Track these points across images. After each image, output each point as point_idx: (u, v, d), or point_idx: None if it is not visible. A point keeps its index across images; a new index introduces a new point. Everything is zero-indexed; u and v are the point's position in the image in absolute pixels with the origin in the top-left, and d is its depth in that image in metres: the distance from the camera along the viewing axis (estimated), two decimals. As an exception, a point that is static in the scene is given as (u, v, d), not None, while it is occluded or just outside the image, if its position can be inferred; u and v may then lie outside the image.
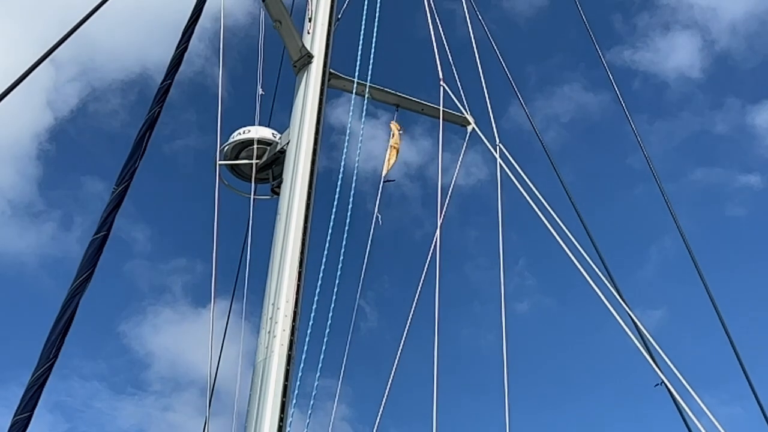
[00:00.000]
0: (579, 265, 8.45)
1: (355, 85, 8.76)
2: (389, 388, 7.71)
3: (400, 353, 7.89)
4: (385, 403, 7.66)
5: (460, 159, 9.47)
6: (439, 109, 9.48)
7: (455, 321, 21.36)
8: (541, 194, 9.05)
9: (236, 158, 8.77)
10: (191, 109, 25.58)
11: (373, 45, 8.97)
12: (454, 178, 9.37)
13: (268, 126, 8.88)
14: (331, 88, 8.62)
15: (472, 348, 22.49)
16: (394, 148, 9.12)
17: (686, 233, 11.02)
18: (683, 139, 28.00)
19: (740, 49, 28.47)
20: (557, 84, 28.51)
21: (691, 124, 28.36)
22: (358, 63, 8.82)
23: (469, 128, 9.63)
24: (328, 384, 7.47)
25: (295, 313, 6.85)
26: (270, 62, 9.57)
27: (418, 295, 8.24)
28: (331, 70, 8.59)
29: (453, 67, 9.84)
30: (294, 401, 6.47)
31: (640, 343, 8.16)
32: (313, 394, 6.56)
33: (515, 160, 9.40)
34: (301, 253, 7.18)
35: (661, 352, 8.17)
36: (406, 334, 8.04)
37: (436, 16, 10.13)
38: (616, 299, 8.45)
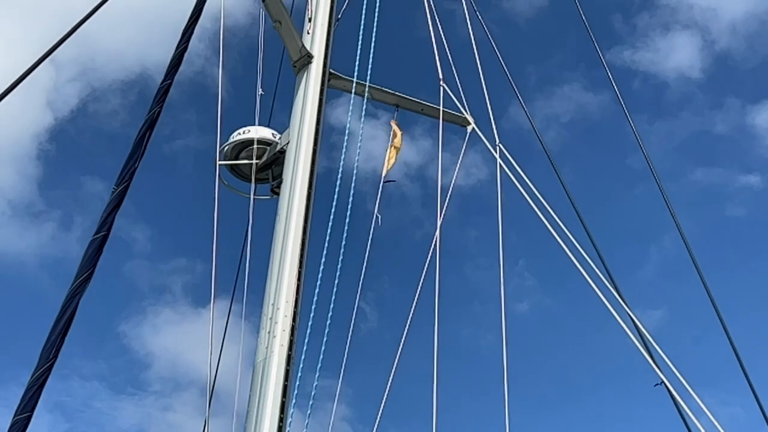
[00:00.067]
0: (579, 265, 8.46)
1: (354, 85, 8.77)
2: (389, 388, 7.72)
3: (400, 353, 7.90)
4: (385, 403, 7.67)
5: (460, 159, 9.48)
6: (438, 109, 9.48)
7: (455, 321, 21.38)
8: (540, 194, 9.06)
9: (236, 158, 8.78)
10: (191, 109, 25.60)
11: (373, 45, 8.99)
12: (454, 178, 9.39)
13: (268, 126, 8.88)
14: (331, 88, 8.62)
15: (472, 348, 22.50)
16: (395, 148, 9.13)
17: (686, 233, 11.03)
18: (683, 139, 28.03)
19: (740, 49, 28.50)
20: (557, 84, 28.53)
21: (691, 124, 28.39)
22: (357, 63, 8.83)
23: (469, 128, 9.64)
24: (328, 384, 7.47)
25: (294, 313, 6.86)
26: (270, 62, 9.58)
27: (418, 295, 8.25)
28: (331, 70, 8.60)
29: (453, 68, 9.85)
30: (294, 401, 6.48)
31: (639, 343, 8.16)
32: (312, 393, 6.56)
33: (515, 161, 9.41)
34: (301, 253, 7.19)
35: (660, 352, 8.17)
36: (406, 334, 8.04)
37: (436, 16, 10.14)
38: (616, 299, 8.45)
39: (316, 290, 7.03)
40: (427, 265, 8.38)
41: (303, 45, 8.49)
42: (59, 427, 24.31)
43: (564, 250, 8.62)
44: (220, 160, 8.61)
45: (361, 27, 9.13)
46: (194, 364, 22.69)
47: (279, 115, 9.45)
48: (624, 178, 26.24)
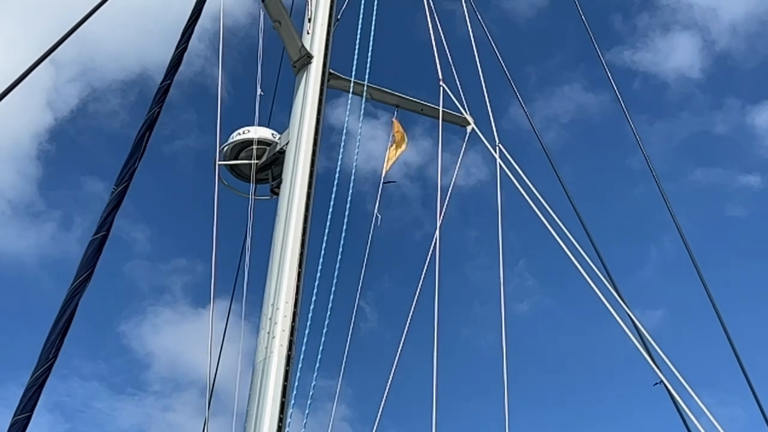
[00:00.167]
0: (578, 266, 8.46)
1: (354, 86, 8.77)
2: (389, 388, 7.72)
3: (400, 353, 7.90)
4: (384, 403, 7.67)
5: (460, 159, 9.49)
6: (438, 110, 9.49)
7: (455, 321, 21.38)
8: (540, 194, 9.07)
9: (236, 158, 8.78)
10: (191, 110, 25.60)
11: (373, 45, 8.99)
12: (454, 179, 9.39)
13: (268, 126, 8.88)
14: (331, 88, 8.62)
15: (472, 348, 22.50)
16: (398, 147, 9.14)
17: (686, 233, 11.04)
18: (683, 139, 28.04)
19: (740, 50, 28.51)
20: (557, 84, 28.54)
21: (691, 125, 28.39)
22: (355, 63, 8.83)
23: (469, 128, 9.64)
24: (328, 384, 7.48)
25: (294, 313, 6.86)
26: (270, 62, 9.57)
27: (418, 295, 8.25)
28: (331, 71, 8.60)
29: (452, 68, 9.86)
30: (293, 401, 6.48)
31: (639, 342, 8.17)
32: (311, 393, 6.56)
33: (515, 161, 9.41)
34: (301, 253, 7.19)
35: (660, 352, 8.18)
36: (406, 334, 8.04)
37: (435, 16, 10.15)
38: (616, 299, 8.46)
39: (314, 290, 7.03)
40: (427, 265, 8.39)
41: (303, 45, 8.49)
42: (59, 427, 24.33)
43: (564, 250, 8.63)
44: (219, 160, 8.62)
45: (361, 27, 9.14)
46: (194, 364, 22.71)
47: (279, 115, 9.46)
48: (624, 178, 26.26)
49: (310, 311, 6.89)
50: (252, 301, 7.59)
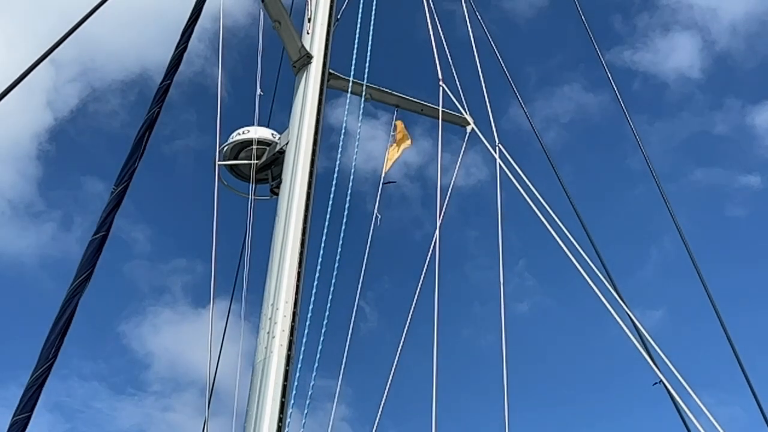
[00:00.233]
0: (578, 266, 8.47)
1: (354, 86, 8.77)
2: (389, 388, 7.72)
3: (400, 353, 7.91)
4: (384, 403, 7.67)
5: (459, 159, 9.49)
6: (438, 110, 9.49)
7: (455, 321, 21.38)
8: (540, 194, 9.07)
9: (236, 158, 8.78)
10: (191, 110, 25.60)
11: (373, 45, 8.99)
12: (454, 179, 9.40)
13: (268, 126, 8.88)
14: (331, 88, 8.62)
15: (472, 348, 22.50)
16: (400, 144, 9.15)
17: (686, 233, 11.05)
18: (683, 139, 28.03)
19: (740, 50, 28.51)
20: (557, 84, 28.54)
21: (691, 125, 28.38)
22: (354, 63, 8.84)
23: (469, 129, 9.64)
24: (328, 384, 7.48)
25: (294, 313, 6.86)
26: (269, 63, 9.58)
27: (418, 295, 8.25)
28: (331, 71, 8.60)
29: (452, 68, 9.86)
30: (293, 401, 6.48)
31: (638, 342, 8.17)
32: (309, 393, 6.56)
33: (515, 161, 9.42)
34: (301, 253, 7.19)
35: (659, 352, 8.18)
36: (406, 334, 8.05)
37: (435, 16, 10.15)
38: (615, 299, 8.46)
39: (313, 290, 7.03)
40: (426, 265, 8.39)
41: (302, 45, 8.49)
42: (59, 427, 24.32)
43: (563, 250, 8.63)
44: (219, 161, 8.62)
45: (360, 27, 9.14)
46: (194, 364, 22.71)
47: (278, 115, 9.46)
48: (623, 179, 26.26)
49: (310, 311, 6.89)
50: (252, 301, 7.60)
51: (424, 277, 8.33)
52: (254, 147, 8.59)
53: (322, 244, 7.28)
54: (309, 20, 8.77)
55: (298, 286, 6.99)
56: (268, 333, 6.76)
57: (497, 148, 9.56)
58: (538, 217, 8.84)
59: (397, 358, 7.87)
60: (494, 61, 11.00)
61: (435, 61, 9.81)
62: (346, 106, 8.52)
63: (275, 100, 9.90)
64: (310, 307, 6.90)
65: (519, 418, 8.50)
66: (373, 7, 9.41)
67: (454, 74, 9.79)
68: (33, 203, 26.98)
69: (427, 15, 10.11)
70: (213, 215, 7.62)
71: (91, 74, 27.46)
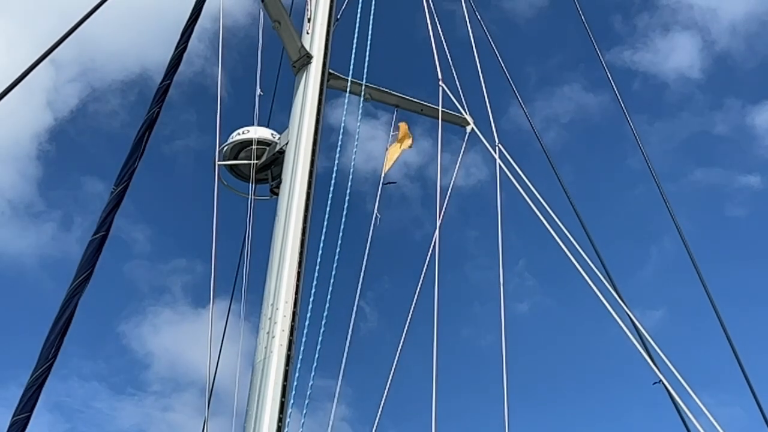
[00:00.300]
0: (578, 266, 8.47)
1: (354, 86, 8.77)
2: (388, 388, 7.73)
3: (400, 353, 7.91)
4: (384, 403, 7.67)
5: (459, 159, 9.49)
6: (438, 110, 9.48)
7: (455, 321, 21.39)
8: (540, 195, 9.07)
9: (235, 158, 8.78)
10: (191, 110, 25.60)
11: (372, 45, 8.99)
12: (453, 179, 9.40)
13: (268, 126, 8.89)
14: (330, 88, 8.62)
15: (472, 348, 22.51)
16: (402, 142, 9.15)
17: (686, 233, 11.06)
18: (683, 139, 28.04)
19: (740, 50, 28.52)
20: (557, 84, 28.54)
21: (691, 125, 28.39)
22: (353, 63, 8.84)
23: (468, 129, 9.64)
24: (328, 384, 7.48)
25: (294, 313, 6.86)
26: (269, 63, 9.58)
27: (418, 295, 8.25)
28: (330, 71, 8.60)
29: (452, 68, 9.86)
30: (292, 401, 6.48)
31: (638, 342, 8.17)
32: (308, 393, 6.55)
33: (514, 161, 9.42)
34: (300, 253, 7.19)
35: (659, 352, 8.18)
36: (406, 334, 8.05)
37: (435, 16, 10.15)
38: (615, 299, 8.46)
39: (312, 290, 7.03)
40: (426, 265, 8.39)
41: (302, 45, 8.49)
42: (59, 427, 24.33)
43: (563, 250, 8.63)
44: (219, 161, 8.62)
45: (360, 27, 9.14)
46: (194, 364, 22.72)
47: (278, 115, 9.46)
48: (623, 179, 26.26)
49: (309, 311, 6.89)
50: (252, 301, 7.61)
51: (423, 277, 8.33)
52: (254, 147, 8.60)
53: (322, 244, 7.28)
54: (309, 20, 8.77)
55: (297, 286, 7.00)
56: (268, 333, 6.76)
57: (497, 148, 9.56)
58: (538, 217, 8.84)
59: (396, 358, 7.88)
60: (494, 61, 11.01)
61: (435, 61, 9.81)
62: (345, 106, 8.53)
63: (275, 100, 9.91)
64: (310, 307, 6.90)
65: (519, 418, 8.50)
66: (373, 7, 9.41)
67: (454, 74, 9.79)
68: (33, 203, 27.01)
69: (427, 15, 10.11)
70: (213, 215, 7.63)
71: (91, 74, 27.49)
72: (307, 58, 8.43)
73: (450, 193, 9.12)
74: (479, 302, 23.49)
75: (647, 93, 28.09)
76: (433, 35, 9.95)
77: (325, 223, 7.43)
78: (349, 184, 7.90)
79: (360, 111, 8.64)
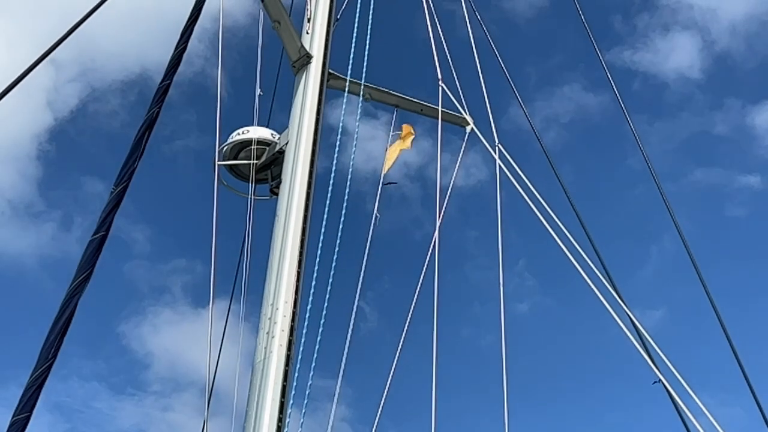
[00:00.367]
0: (578, 266, 8.47)
1: (353, 86, 8.77)
2: (388, 388, 7.73)
3: (399, 353, 7.91)
4: (384, 403, 7.67)
5: (459, 159, 9.49)
6: (438, 110, 9.49)
7: (455, 321, 21.39)
8: (540, 195, 9.07)
9: (235, 158, 8.78)
10: (190, 110, 25.60)
11: (372, 45, 8.99)
12: (453, 179, 9.40)
13: (267, 126, 8.89)
14: (330, 88, 8.62)
15: (472, 348, 22.51)
16: (403, 141, 9.16)
17: (686, 233, 11.06)
18: (683, 139, 28.04)
19: (740, 50, 28.52)
20: (557, 84, 28.53)
21: (691, 125, 28.39)
22: (353, 63, 8.84)
23: (468, 129, 9.65)
24: (328, 384, 7.48)
25: (293, 313, 6.86)
26: (269, 63, 9.58)
27: (418, 295, 8.25)
28: (330, 71, 8.60)
29: (452, 68, 9.86)
30: (292, 401, 6.48)
31: (638, 342, 8.18)
32: (307, 393, 6.55)
33: (514, 161, 9.42)
34: (300, 253, 7.19)
35: (659, 352, 8.19)
36: (406, 333, 8.05)
37: (435, 16, 10.15)
38: (615, 299, 8.46)
39: (313, 290, 7.03)
40: (426, 265, 8.39)
41: (302, 45, 8.49)
42: (59, 427, 24.33)
43: (563, 250, 8.63)
44: (219, 161, 8.62)
45: (360, 27, 9.14)
46: (194, 364, 22.73)
47: (278, 115, 9.46)
48: (623, 179, 26.26)
49: (309, 311, 6.89)
50: (251, 301, 7.60)
51: (423, 277, 8.33)
52: (254, 147, 8.60)
53: (321, 244, 7.28)
54: (308, 20, 8.77)
55: (297, 286, 7.00)
56: (268, 333, 6.76)
57: (497, 148, 9.56)
58: (538, 217, 8.85)
59: (396, 357, 7.88)
60: (494, 61, 11.01)
61: (435, 61, 9.81)
62: (343, 106, 8.53)
63: (275, 100, 9.91)
64: (309, 307, 6.90)
65: (519, 418, 8.51)
66: (372, 8, 9.41)
67: (454, 74, 9.80)
68: (33, 203, 27.02)
69: (427, 15, 10.12)
70: (213, 215, 7.63)
71: (91, 74, 27.50)
72: (307, 58, 8.43)
73: (450, 193, 9.13)
74: (479, 302, 23.51)
75: (647, 93, 28.12)
76: (433, 35, 9.96)
77: (325, 223, 7.44)
78: (349, 184, 7.91)
79: (359, 111, 8.65)
